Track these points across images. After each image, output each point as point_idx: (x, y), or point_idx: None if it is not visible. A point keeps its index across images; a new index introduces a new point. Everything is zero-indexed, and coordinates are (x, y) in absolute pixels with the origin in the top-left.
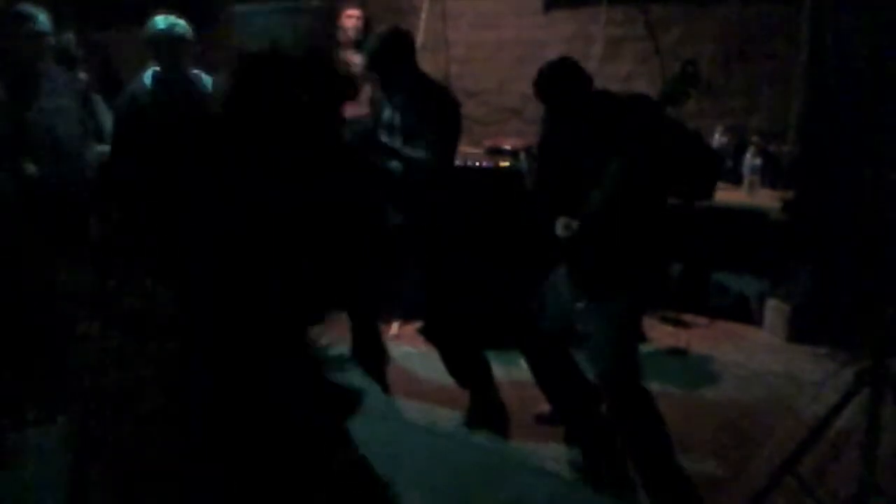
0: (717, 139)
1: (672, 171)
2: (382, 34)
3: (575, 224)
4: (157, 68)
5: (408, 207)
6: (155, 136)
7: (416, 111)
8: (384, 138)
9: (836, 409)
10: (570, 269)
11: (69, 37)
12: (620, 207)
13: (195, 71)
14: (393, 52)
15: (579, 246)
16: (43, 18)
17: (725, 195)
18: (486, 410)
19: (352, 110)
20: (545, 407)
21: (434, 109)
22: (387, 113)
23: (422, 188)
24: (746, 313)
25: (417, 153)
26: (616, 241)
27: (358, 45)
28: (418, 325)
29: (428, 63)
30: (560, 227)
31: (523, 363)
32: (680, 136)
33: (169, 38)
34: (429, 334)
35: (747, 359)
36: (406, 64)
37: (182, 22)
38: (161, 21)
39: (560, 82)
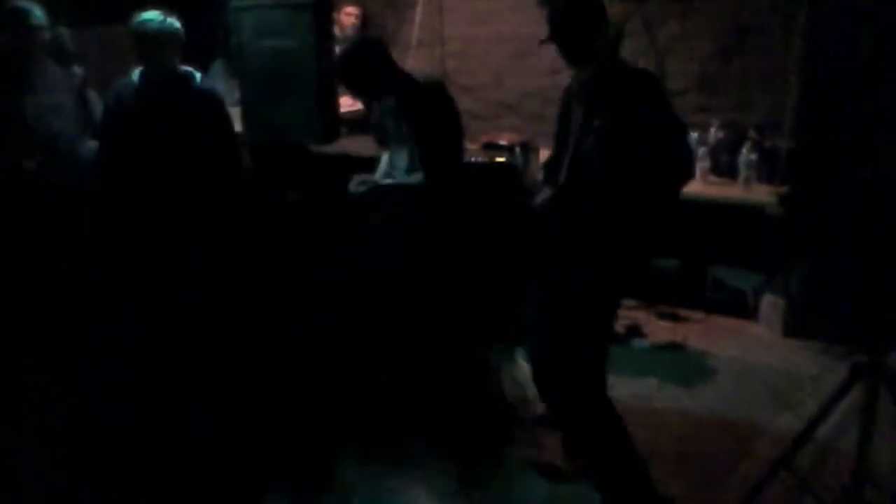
0: (714, 134)
1: (647, 155)
2: (348, 48)
3: (548, 193)
4: (144, 65)
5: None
6: (138, 133)
7: (407, 117)
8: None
9: (832, 404)
10: (544, 244)
11: (63, 30)
12: (594, 184)
13: (186, 68)
14: (363, 61)
15: (551, 219)
16: (38, 13)
17: (722, 190)
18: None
19: (346, 105)
20: (539, 408)
21: (426, 116)
22: (379, 116)
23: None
24: (743, 308)
25: (416, 178)
26: (586, 223)
27: None
28: None
29: (424, 58)
30: (538, 196)
31: (522, 362)
32: (666, 120)
33: (155, 34)
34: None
35: (744, 353)
36: (381, 69)
37: (169, 18)
38: (147, 16)
39: (575, 17)
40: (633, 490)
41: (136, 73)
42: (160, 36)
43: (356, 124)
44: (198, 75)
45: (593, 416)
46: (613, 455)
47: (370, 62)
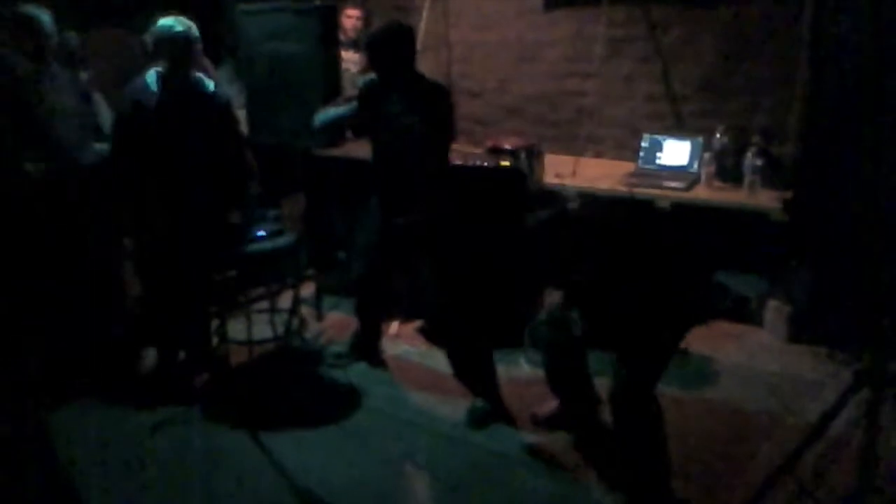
0: (718, 139)
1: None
2: (385, 27)
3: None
4: (161, 69)
5: (411, 208)
6: (159, 137)
7: (416, 111)
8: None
9: (835, 410)
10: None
11: (72, 35)
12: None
13: (198, 73)
14: (393, 46)
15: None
16: (46, 19)
17: (726, 195)
18: (489, 410)
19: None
20: (543, 408)
21: (436, 111)
22: (386, 107)
23: (425, 187)
24: (747, 313)
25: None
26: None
27: (357, 45)
28: (418, 324)
29: (429, 63)
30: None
31: (524, 362)
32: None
33: (179, 40)
34: (434, 335)
35: (747, 359)
36: (405, 59)
37: (191, 24)
38: (171, 22)
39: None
40: (661, 490)
41: (150, 78)
42: (185, 41)
43: None
44: (210, 83)
45: (652, 413)
46: (658, 455)
47: (399, 44)
